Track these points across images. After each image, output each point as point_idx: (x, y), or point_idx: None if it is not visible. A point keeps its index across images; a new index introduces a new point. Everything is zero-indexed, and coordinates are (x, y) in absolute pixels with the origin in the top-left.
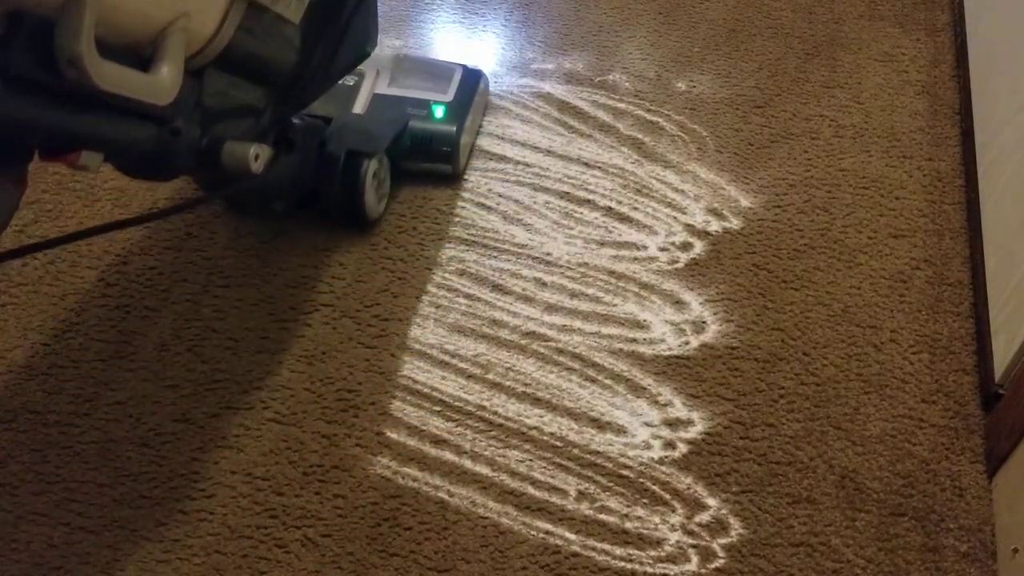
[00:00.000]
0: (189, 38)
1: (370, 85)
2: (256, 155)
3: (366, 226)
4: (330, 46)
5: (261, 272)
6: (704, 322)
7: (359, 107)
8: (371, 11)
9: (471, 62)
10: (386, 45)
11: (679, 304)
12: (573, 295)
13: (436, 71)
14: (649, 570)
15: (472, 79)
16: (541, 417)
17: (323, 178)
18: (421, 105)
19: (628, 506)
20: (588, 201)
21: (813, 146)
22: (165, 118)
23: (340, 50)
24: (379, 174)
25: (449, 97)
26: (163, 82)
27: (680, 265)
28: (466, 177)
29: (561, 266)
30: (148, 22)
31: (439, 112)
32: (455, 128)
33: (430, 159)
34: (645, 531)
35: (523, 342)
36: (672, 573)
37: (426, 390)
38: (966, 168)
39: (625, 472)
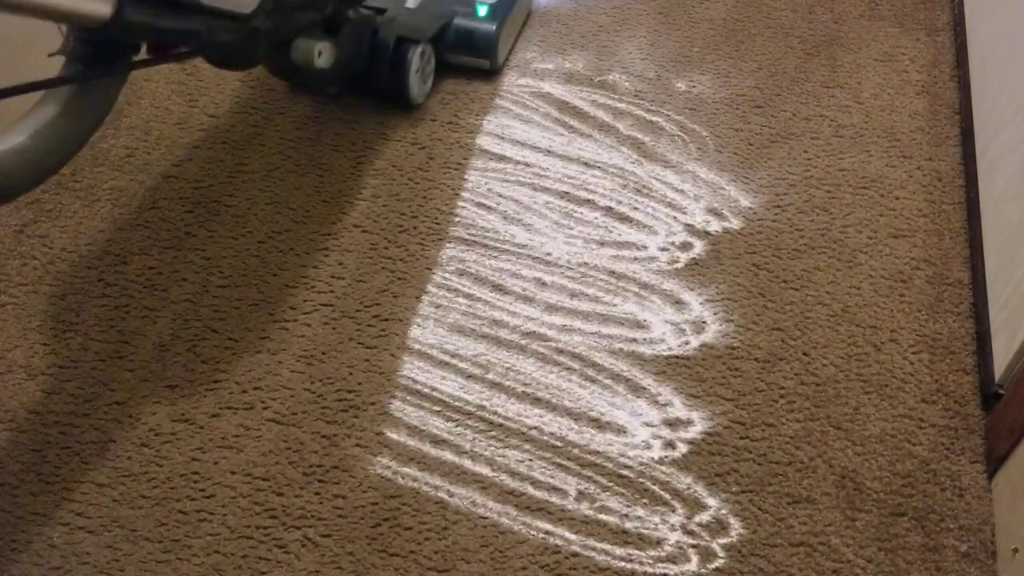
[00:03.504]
0: None
1: None
2: (320, 51)
3: (409, 107)
4: None
5: (261, 272)
6: (704, 322)
7: (412, 2)
8: None
9: None
10: None
11: (679, 304)
12: (573, 295)
13: None
14: (649, 570)
15: None
16: (541, 417)
17: (374, 62)
18: (467, 3)
19: (628, 506)
20: (588, 201)
21: (813, 146)
22: (247, 18)
23: None
24: (424, 61)
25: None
26: None
27: (680, 265)
28: (466, 177)
29: (561, 266)
30: None
31: (483, 11)
32: (495, 26)
33: (471, 53)
34: (645, 531)
35: (523, 342)
36: (672, 573)
37: (426, 390)
38: (966, 168)
39: (625, 472)
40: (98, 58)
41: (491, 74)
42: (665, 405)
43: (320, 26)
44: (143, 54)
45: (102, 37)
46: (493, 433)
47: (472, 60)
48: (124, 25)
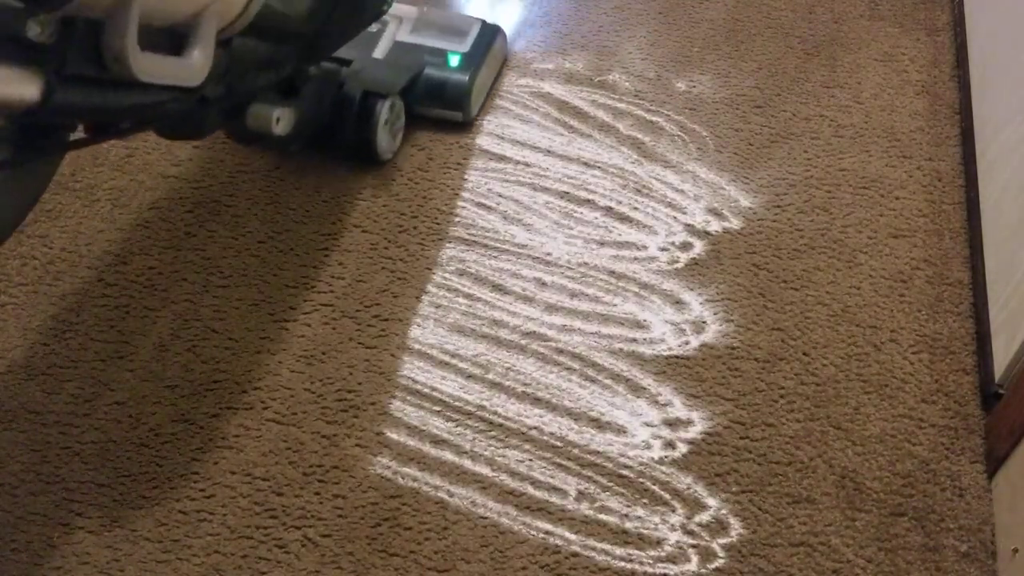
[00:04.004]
0: (220, 14)
1: (392, 33)
2: (278, 118)
3: (378, 164)
4: (348, 8)
5: (261, 272)
6: (704, 322)
7: (380, 52)
8: None
9: (491, 19)
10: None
11: (679, 304)
12: (573, 295)
13: (456, 24)
14: (649, 570)
15: (489, 34)
16: (541, 417)
17: (339, 117)
18: (438, 53)
19: (628, 506)
20: (588, 201)
21: (813, 146)
22: (195, 88)
23: (357, 10)
24: (393, 116)
25: (465, 48)
26: (195, 65)
27: (680, 265)
28: (466, 177)
29: (561, 266)
30: (185, 9)
31: (454, 61)
32: (468, 77)
33: (443, 105)
34: (645, 531)
35: (523, 342)
36: (672, 573)
37: (426, 390)
38: (966, 168)
39: (625, 472)
40: (28, 140)
41: (465, 126)
42: (665, 405)
43: (279, 87)
44: (80, 132)
45: (31, 121)
46: (493, 433)
47: (444, 112)
48: (55, 108)
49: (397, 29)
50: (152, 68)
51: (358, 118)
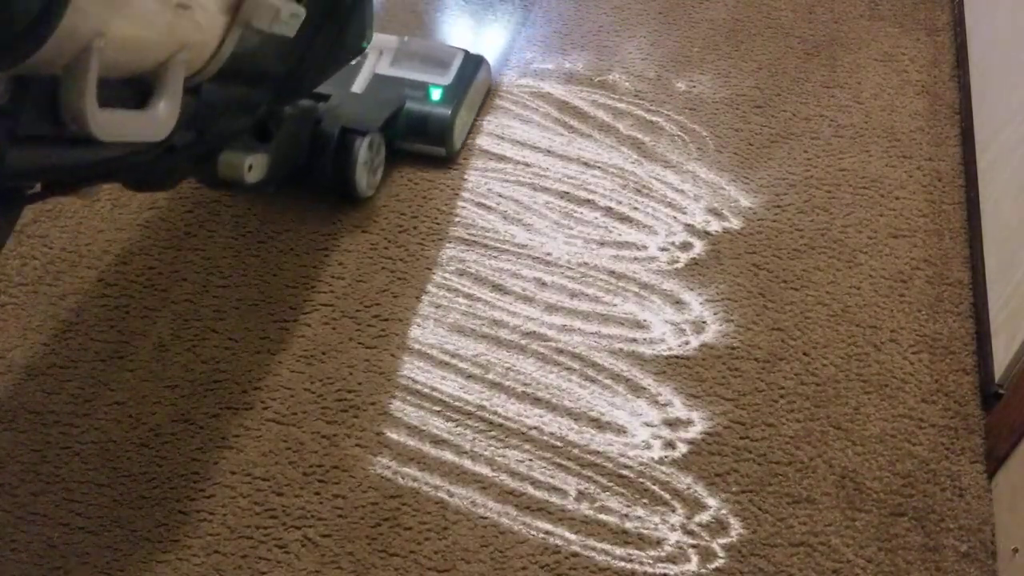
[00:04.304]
0: (188, 62)
1: (371, 65)
2: (250, 166)
3: (357, 201)
4: (325, 47)
5: (261, 272)
6: (704, 322)
7: (358, 86)
8: (367, 10)
9: (475, 49)
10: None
11: (679, 304)
12: (573, 295)
13: (438, 55)
14: (649, 570)
15: (472, 65)
16: (541, 417)
17: (317, 155)
18: (419, 87)
19: (628, 506)
20: (588, 201)
21: (813, 146)
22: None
23: (335, 49)
24: (373, 152)
25: (447, 81)
26: (160, 119)
27: (680, 265)
28: (466, 177)
29: (561, 266)
30: (148, 60)
31: (436, 95)
32: (450, 111)
33: (425, 140)
34: (645, 531)
35: (523, 342)
36: (672, 573)
37: (426, 390)
38: (966, 168)
39: (625, 472)
40: None
41: (448, 161)
42: (665, 405)
43: (252, 130)
44: (38, 187)
45: None
46: (493, 433)
47: (426, 148)
48: (8, 171)
49: (377, 62)
50: (113, 126)
51: (336, 156)
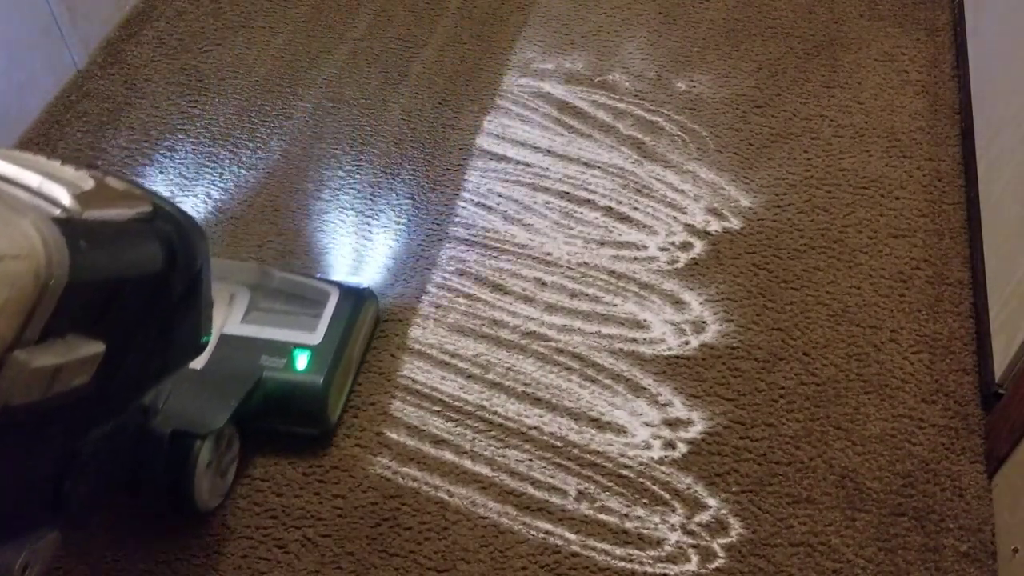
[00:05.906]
0: None
1: (219, 321)
2: (24, 565)
3: (198, 516)
4: (141, 360)
5: None
6: (704, 322)
7: (199, 359)
8: (201, 307)
9: (356, 277)
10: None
11: (679, 304)
12: (573, 295)
13: (305, 297)
14: (649, 570)
15: (351, 305)
16: (541, 417)
17: (145, 461)
18: (280, 351)
19: (628, 506)
20: (588, 201)
21: (813, 146)
22: None
23: (155, 359)
24: (219, 453)
25: (317, 338)
26: None
27: (680, 265)
28: (466, 177)
29: (561, 266)
30: None
31: (302, 360)
32: (322, 379)
33: (290, 421)
34: (645, 531)
35: (523, 342)
36: (672, 573)
37: (426, 390)
38: (966, 168)
39: (625, 472)
40: None
41: (324, 437)
42: (665, 405)
43: (36, 502)
44: None
45: None
46: (493, 433)
47: (293, 429)
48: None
49: (226, 313)
50: None
51: (169, 466)
